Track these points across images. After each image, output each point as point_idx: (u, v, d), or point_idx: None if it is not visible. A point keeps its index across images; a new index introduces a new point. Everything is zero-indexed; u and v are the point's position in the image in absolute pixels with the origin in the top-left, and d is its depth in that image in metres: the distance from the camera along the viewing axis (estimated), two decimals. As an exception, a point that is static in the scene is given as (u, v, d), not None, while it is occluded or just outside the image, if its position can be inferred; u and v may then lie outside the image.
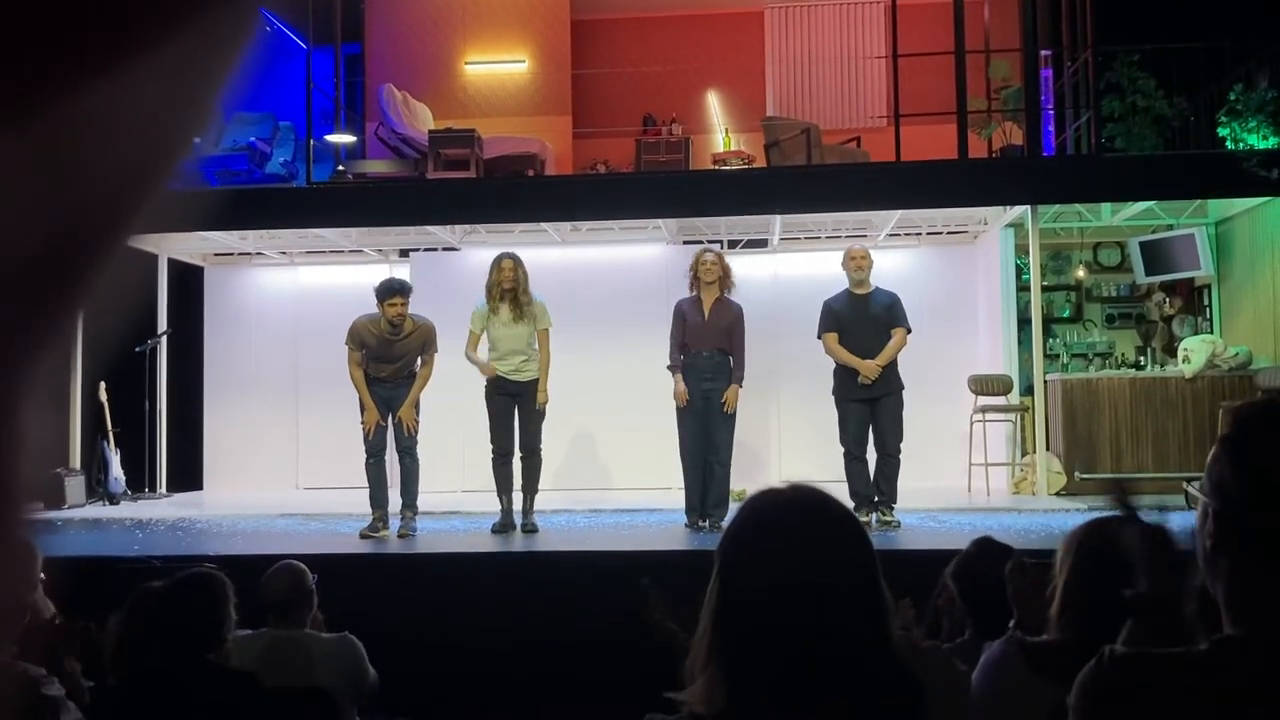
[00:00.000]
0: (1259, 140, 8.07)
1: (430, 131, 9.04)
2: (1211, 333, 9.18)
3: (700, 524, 6.79)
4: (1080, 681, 1.25)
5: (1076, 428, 8.39)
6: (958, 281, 9.74)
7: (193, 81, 0.33)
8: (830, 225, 9.58)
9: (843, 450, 6.90)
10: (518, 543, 6.57)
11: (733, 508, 1.88)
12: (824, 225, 9.58)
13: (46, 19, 0.29)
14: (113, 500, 8.73)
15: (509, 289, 6.83)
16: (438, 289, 8.62)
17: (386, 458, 6.92)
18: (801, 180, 8.24)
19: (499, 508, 6.91)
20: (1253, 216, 8.84)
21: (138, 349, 9.29)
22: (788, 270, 9.74)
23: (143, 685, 2.94)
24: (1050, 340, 9.83)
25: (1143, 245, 9.44)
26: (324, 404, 9.47)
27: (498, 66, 10.72)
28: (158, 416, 9.68)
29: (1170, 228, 9.46)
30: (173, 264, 9.92)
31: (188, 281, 10.21)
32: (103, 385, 8.86)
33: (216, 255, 10.34)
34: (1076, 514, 6.61)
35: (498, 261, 6.93)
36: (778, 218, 8.93)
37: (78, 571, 5.27)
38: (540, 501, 7.06)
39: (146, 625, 2.99)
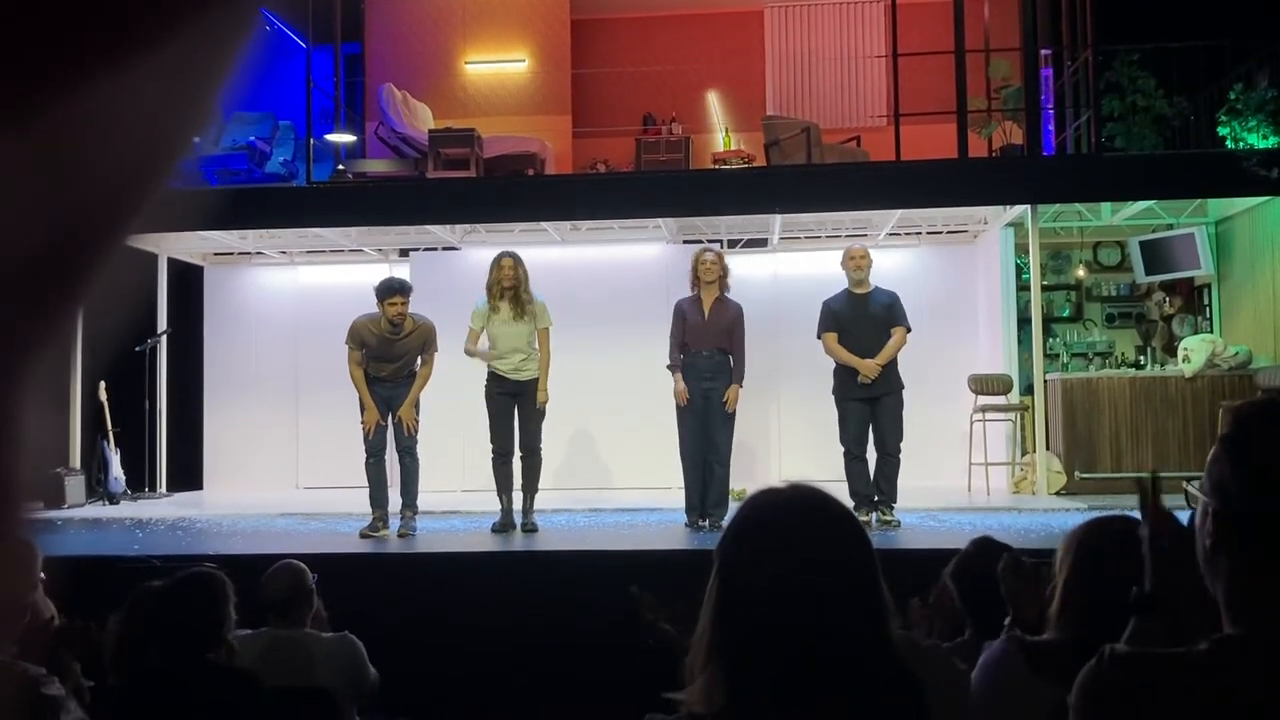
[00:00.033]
0: (1259, 139, 8.07)
1: (430, 131, 9.04)
2: (1211, 332, 9.18)
3: (700, 523, 6.80)
4: (1080, 681, 1.25)
5: (1076, 427, 8.39)
6: (958, 281, 9.74)
7: (192, 81, 0.33)
8: (830, 225, 9.58)
9: (843, 450, 6.90)
10: (518, 542, 6.57)
11: (732, 507, 1.88)
12: (824, 224, 9.58)
13: (46, 19, 0.29)
14: (113, 500, 8.73)
15: (509, 287, 6.83)
16: (438, 288, 8.62)
17: (386, 457, 6.92)
18: (801, 179, 8.24)
19: (499, 507, 6.91)
20: (1253, 216, 8.84)
21: (138, 348, 9.29)
22: (788, 269, 9.74)
23: (143, 685, 2.94)
24: (1050, 340, 9.83)
25: (1143, 245, 9.44)
26: (324, 403, 9.47)
27: (498, 66, 10.72)
28: (157, 416, 9.68)
29: (1170, 227, 9.46)
30: (172, 263, 9.92)
31: (187, 281, 10.21)
32: (103, 385, 8.86)
33: (216, 255, 10.34)
34: (1076, 513, 6.62)
35: (498, 260, 6.93)
36: (778, 217, 8.93)
37: (78, 571, 5.27)
38: (540, 501, 7.06)
39: (146, 625, 2.99)
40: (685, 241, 9.57)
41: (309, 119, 8.83)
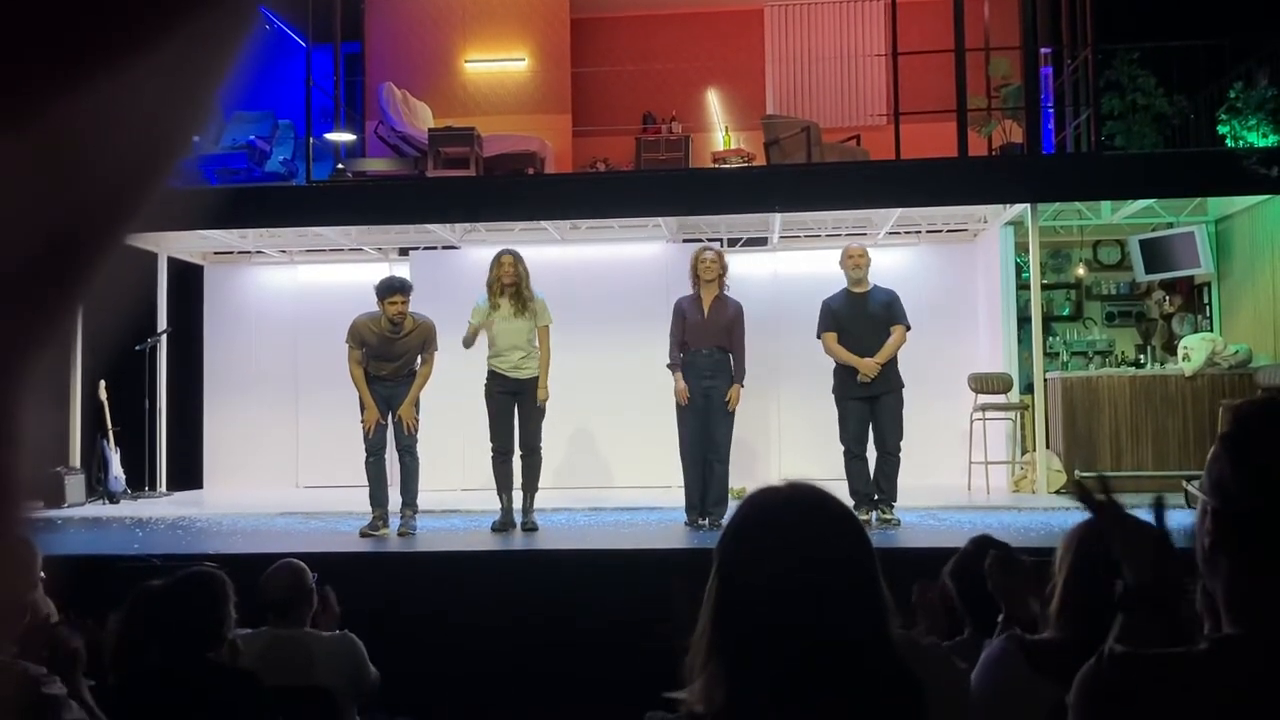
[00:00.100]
0: (1259, 138, 8.07)
1: (430, 130, 9.04)
2: (1211, 331, 9.18)
3: (700, 522, 6.80)
4: (1080, 680, 1.25)
5: (1076, 426, 8.39)
6: (957, 280, 9.74)
7: (192, 80, 0.33)
8: (830, 223, 9.58)
9: (843, 448, 6.90)
10: (518, 541, 6.57)
11: (732, 506, 1.87)
12: (824, 223, 9.58)
13: (46, 19, 0.29)
14: (112, 499, 8.73)
15: (509, 284, 6.83)
16: (438, 287, 8.62)
17: (386, 456, 6.92)
18: (801, 178, 8.24)
19: (499, 506, 6.91)
20: (1252, 214, 8.84)
21: (137, 347, 9.29)
22: (787, 268, 9.74)
23: (143, 684, 2.94)
24: (1050, 338, 9.83)
25: (1142, 243, 9.44)
26: (324, 402, 9.47)
27: (497, 65, 10.72)
28: (157, 415, 9.68)
29: (1170, 226, 9.46)
30: (172, 262, 9.92)
31: (187, 280, 10.21)
32: (102, 384, 8.86)
33: (216, 254, 10.33)
34: (1076, 512, 6.60)
35: (498, 258, 6.93)
36: (777, 216, 8.93)
37: (78, 570, 5.27)
38: (540, 500, 7.06)
39: (146, 624, 2.99)
40: (685, 240, 9.57)
41: (309, 118, 8.82)
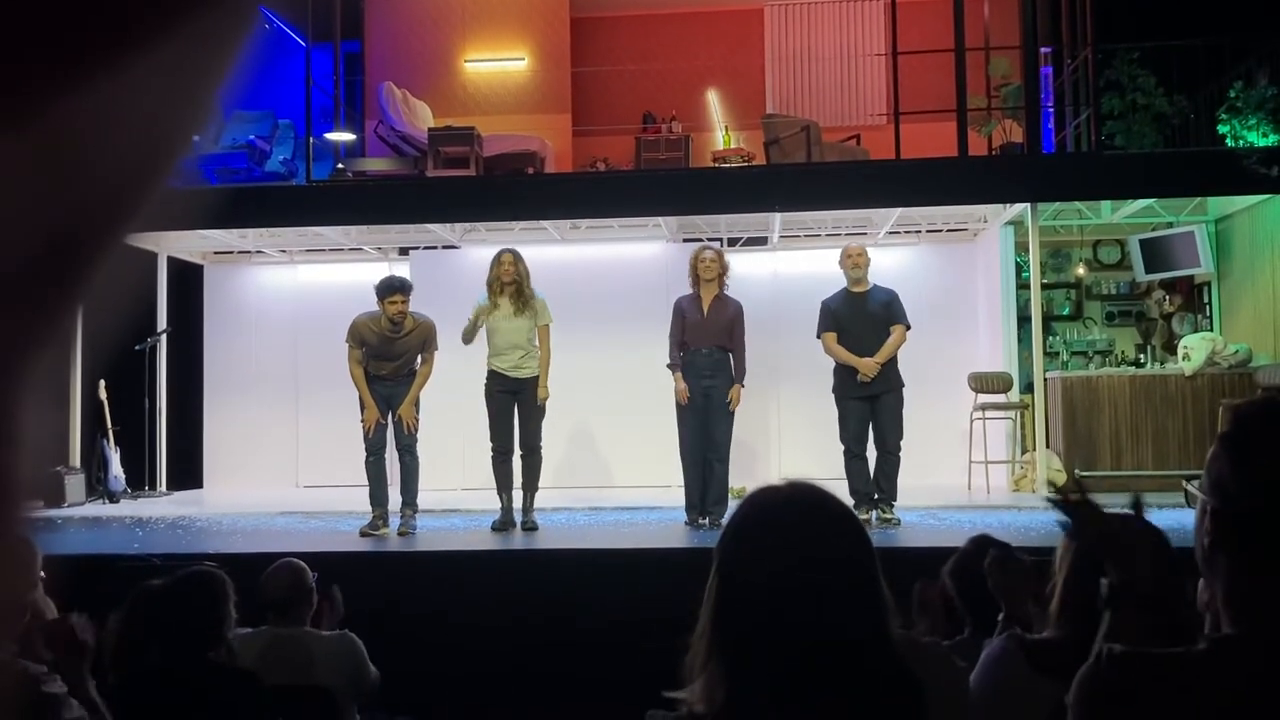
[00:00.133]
0: (1259, 137, 8.07)
1: (430, 129, 9.04)
2: (1211, 330, 9.18)
3: (700, 521, 6.80)
4: (1079, 679, 1.25)
5: (1076, 425, 8.39)
6: (957, 279, 9.74)
7: (192, 80, 0.33)
8: (830, 223, 9.58)
9: (843, 448, 6.90)
10: (518, 541, 6.57)
11: (732, 505, 1.87)
12: (824, 223, 9.58)
13: (46, 19, 0.29)
14: (112, 498, 8.73)
15: (509, 283, 6.83)
16: (438, 287, 8.62)
17: (386, 455, 6.92)
18: (801, 178, 8.23)
19: (499, 505, 6.91)
20: (1252, 214, 8.84)
21: (137, 347, 9.29)
22: (787, 268, 9.74)
23: (143, 684, 2.94)
24: (1050, 338, 9.83)
25: (1142, 243, 9.44)
26: (324, 402, 9.47)
27: (497, 64, 10.72)
28: (157, 414, 9.68)
29: (1170, 225, 9.46)
30: (172, 262, 9.92)
31: (187, 279, 10.21)
32: (102, 383, 8.86)
33: (216, 253, 10.33)
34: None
35: (498, 257, 6.93)
36: (777, 215, 8.93)
37: (78, 570, 5.27)
38: (540, 499, 7.06)
39: (146, 624, 2.99)
40: (685, 240, 9.57)
41: (309, 117, 8.82)
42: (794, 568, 1.33)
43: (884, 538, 6.17)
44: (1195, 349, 8.38)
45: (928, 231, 9.83)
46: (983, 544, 3.02)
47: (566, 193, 8.64)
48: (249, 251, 10.16)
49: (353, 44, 10.64)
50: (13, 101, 0.29)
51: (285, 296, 10.27)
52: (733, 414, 6.88)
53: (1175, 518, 5.31)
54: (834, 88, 10.95)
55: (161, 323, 9.74)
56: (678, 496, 7.07)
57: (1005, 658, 2.11)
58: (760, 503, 1.40)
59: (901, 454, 6.84)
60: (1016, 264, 9.41)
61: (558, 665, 5.34)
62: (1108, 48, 8.47)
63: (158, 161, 0.34)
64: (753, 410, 8.52)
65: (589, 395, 9.02)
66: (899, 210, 8.82)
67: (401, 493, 6.84)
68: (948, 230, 9.84)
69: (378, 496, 6.87)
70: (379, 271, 8.71)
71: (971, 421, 8.58)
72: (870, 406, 6.85)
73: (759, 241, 9.87)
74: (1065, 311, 10.32)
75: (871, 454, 6.89)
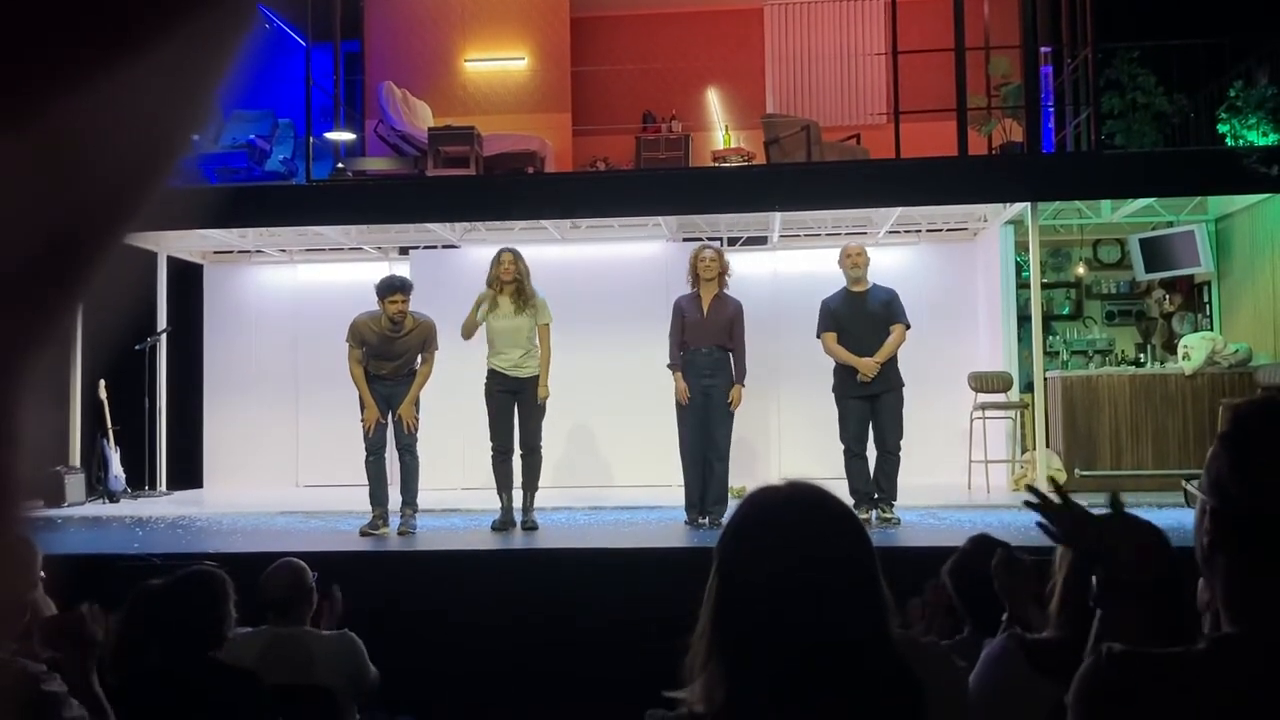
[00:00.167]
0: (1259, 137, 8.07)
1: (430, 129, 9.03)
2: (1211, 330, 9.18)
3: (700, 521, 6.80)
4: (1079, 679, 1.25)
5: (1076, 425, 8.39)
6: (957, 279, 9.74)
7: (192, 79, 0.33)
8: (830, 222, 9.58)
9: (843, 447, 6.90)
10: (518, 540, 6.57)
11: (732, 504, 1.87)
12: (824, 222, 9.58)
13: (46, 19, 0.29)
14: (112, 498, 8.73)
15: (509, 281, 6.83)
16: (438, 286, 8.62)
17: (386, 455, 6.93)
18: (801, 177, 8.23)
19: (499, 505, 6.91)
20: (1252, 213, 8.84)
21: (137, 347, 9.29)
22: (787, 267, 9.74)
23: (143, 684, 2.94)
24: (1050, 337, 9.83)
25: (1143, 242, 9.44)
26: (324, 401, 9.47)
27: (497, 64, 10.72)
28: (157, 414, 9.68)
29: (1170, 224, 9.47)
30: (172, 261, 9.92)
31: (187, 279, 10.21)
32: (102, 383, 8.86)
33: (216, 253, 10.33)
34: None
35: (498, 256, 6.94)
36: (777, 215, 8.93)
37: (77, 569, 5.26)
38: (540, 499, 7.06)
39: (147, 623, 2.99)
40: (685, 239, 9.57)
41: (308, 117, 8.82)
42: (794, 567, 1.33)
43: (884, 537, 6.17)
44: (1195, 348, 8.38)
45: (928, 231, 9.83)
46: (982, 544, 3.02)
47: (566, 192, 8.64)
48: (249, 251, 10.16)
49: (353, 43, 10.64)
50: (13, 101, 0.29)
51: (285, 296, 10.27)
52: (733, 414, 6.88)
53: (1175, 517, 5.31)
54: (834, 87, 10.95)
55: (161, 322, 9.74)
56: (678, 496, 7.07)
57: (1005, 657, 2.11)
58: (760, 502, 1.40)
59: (901, 453, 6.84)
60: (1016, 263, 9.41)
61: (558, 665, 5.34)
62: (1108, 47, 8.47)
63: (158, 161, 0.34)
64: (753, 410, 8.52)
65: (589, 395, 9.02)
66: (899, 210, 8.82)
67: (401, 492, 6.84)
68: (948, 230, 9.84)
69: (378, 496, 6.87)
70: (379, 271, 8.72)
71: (971, 421, 8.58)
72: (870, 406, 6.85)
73: (759, 241, 9.87)
74: (1065, 311, 10.32)
75: (871, 453, 6.89)
